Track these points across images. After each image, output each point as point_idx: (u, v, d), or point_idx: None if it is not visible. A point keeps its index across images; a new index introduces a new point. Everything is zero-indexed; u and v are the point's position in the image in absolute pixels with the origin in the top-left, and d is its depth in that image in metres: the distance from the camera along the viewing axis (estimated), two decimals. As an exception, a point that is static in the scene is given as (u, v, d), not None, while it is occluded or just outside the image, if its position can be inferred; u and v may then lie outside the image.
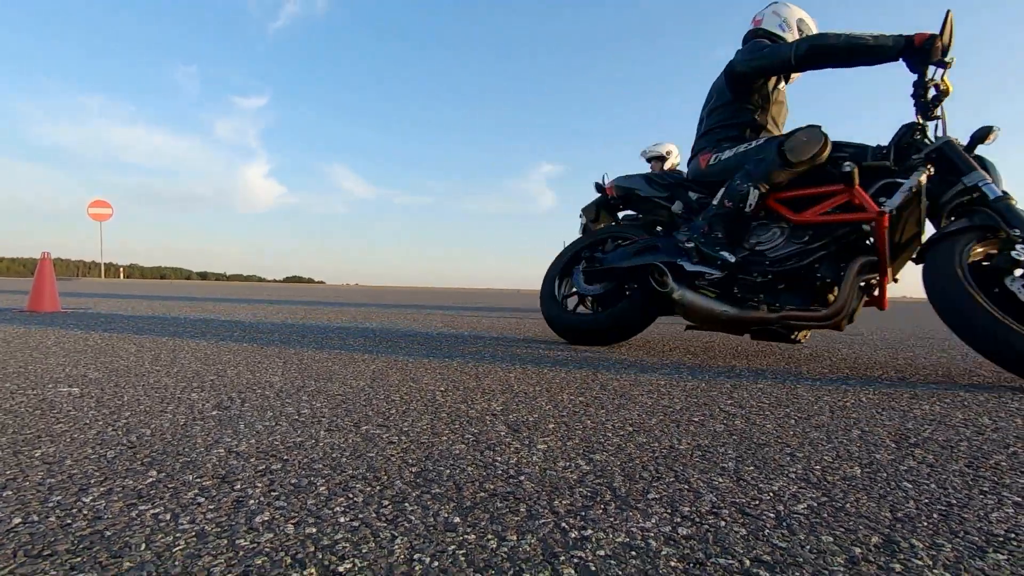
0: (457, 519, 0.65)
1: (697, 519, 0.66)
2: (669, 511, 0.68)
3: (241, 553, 0.55)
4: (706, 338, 3.22)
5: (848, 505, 0.72)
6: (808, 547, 0.59)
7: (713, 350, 2.56)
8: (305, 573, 0.52)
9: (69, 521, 0.61)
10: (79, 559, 0.53)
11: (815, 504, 0.72)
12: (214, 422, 1.05)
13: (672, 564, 0.55)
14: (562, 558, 0.56)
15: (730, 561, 0.56)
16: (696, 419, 1.17)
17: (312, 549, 0.56)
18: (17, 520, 0.61)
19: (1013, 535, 0.64)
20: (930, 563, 0.57)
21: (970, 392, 1.58)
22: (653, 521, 0.65)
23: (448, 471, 0.81)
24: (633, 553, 0.57)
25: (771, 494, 0.75)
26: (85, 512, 0.64)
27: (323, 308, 5.63)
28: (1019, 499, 0.75)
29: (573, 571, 0.53)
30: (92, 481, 0.73)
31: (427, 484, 0.75)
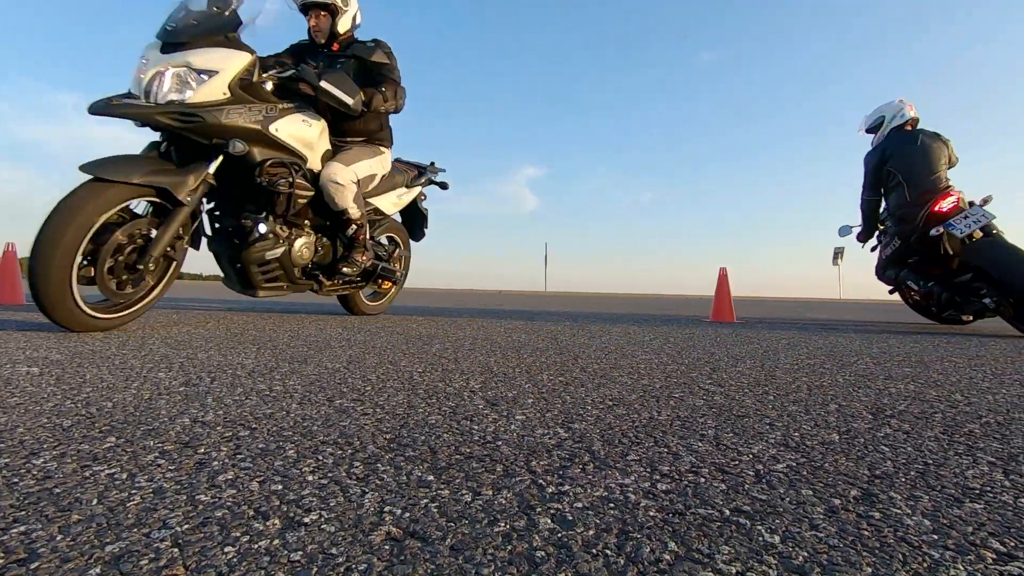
0: (431, 477, 0.62)
1: (677, 476, 0.65)
2: (648, 470, 0.67)
3: (200, 507, 0.52)
4: (687, 329, 3.23)
5: (827, 465, 0.71)
6: (788, 499, 0.59)
7: (694, 339, 2.57)
8: (268, 524, 0.49)
9: (16, 480, 0.58)
10: (23, 512, 0.50)
11: (794, 464, 0.71)
12: (180, 396, 1.01)
13: (651, 514, 0.54)
14: (539, 510, 0.54)
15: (710, 511, 0.55)
16: (676, 396, 1.17)
17: (277, 503, 0.54)
18: (-41, 480, 0.57)
19: (989, 488, 0.64)
20: (909, 511, 0.56)
21: (943, 375, 1.61)
22: (632, 478, 0.64)
23: (423, 438, 0.79)
24: (611, 505, 0.56)
25: (750, 456, 0.74)
26: (34, 472, 0.60)
27: (301, 304, 5.54)
28: (993, 459, 0.76)
29: (550, 520, 0.52)
30: (45, 446, 0.70)
31: (401, 448, 0.73)
